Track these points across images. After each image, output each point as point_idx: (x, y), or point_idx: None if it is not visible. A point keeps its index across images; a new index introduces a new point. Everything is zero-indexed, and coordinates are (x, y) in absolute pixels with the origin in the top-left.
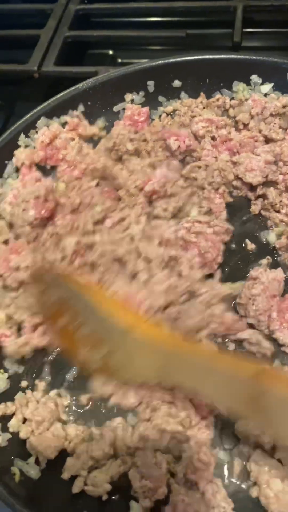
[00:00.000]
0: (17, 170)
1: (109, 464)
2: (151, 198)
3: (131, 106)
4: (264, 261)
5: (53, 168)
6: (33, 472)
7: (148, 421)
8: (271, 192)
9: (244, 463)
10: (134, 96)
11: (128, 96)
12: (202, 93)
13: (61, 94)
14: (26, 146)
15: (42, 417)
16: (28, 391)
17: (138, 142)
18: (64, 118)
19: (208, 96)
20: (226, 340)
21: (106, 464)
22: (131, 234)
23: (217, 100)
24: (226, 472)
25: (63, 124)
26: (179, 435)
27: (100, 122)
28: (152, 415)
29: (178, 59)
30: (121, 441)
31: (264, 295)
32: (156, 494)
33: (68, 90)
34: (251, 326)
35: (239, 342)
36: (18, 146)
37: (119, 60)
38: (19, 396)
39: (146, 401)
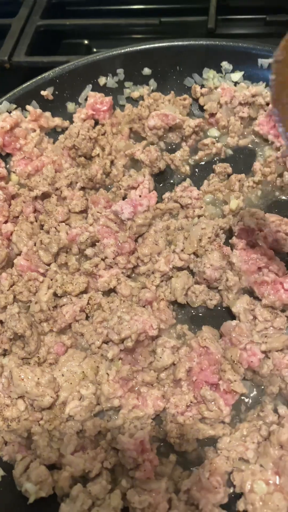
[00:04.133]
0: None
1: (109, 498)
2: None
3: (94, 94)
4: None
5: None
6: None
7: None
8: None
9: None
10: (108, 79)
11: (102, 80)
12: (172, 92)
13: (28, 83)
14: None
15: None
16: None
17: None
18: (28, 108)
19: (180, 82)
20: None
21: (105, 498)
22: None
23: (184, 99)
24: None
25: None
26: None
27: (69, 111)
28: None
29: (147, 46)
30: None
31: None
32: (157, 510)
33: (34, 79)
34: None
35: None
36: None
37: (94, 50)
38: None
39: None
